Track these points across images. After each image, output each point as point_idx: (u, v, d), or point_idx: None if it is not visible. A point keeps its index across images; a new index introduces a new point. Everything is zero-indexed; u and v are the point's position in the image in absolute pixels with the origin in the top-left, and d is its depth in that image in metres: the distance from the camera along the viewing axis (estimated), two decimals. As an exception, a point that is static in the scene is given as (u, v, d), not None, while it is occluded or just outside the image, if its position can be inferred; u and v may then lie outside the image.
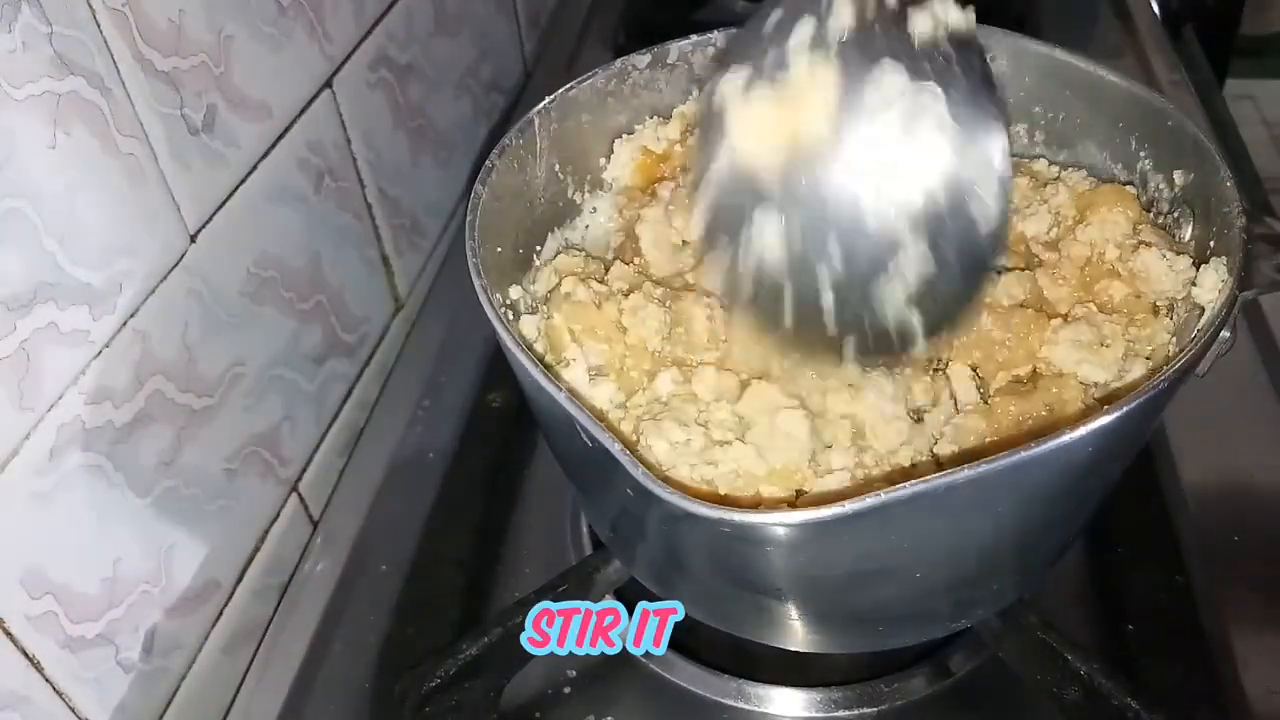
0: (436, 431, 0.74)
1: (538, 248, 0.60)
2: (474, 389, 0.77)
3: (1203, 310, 0.49)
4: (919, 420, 0.51)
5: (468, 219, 0.52)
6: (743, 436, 0.48)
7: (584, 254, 0.60)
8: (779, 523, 0.39)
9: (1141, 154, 0.56)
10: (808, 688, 0.56)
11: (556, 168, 0.60)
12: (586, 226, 0.63)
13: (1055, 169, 0.61)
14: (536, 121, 0.57)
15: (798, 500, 0.47)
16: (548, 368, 0.52)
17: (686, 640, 0.59)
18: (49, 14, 0.49)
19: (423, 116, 0.88)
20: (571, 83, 0.59)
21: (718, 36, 0.63)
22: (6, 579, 0.49)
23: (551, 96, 0.58)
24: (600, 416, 0.49)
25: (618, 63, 0.61)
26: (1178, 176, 0.53)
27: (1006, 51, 0.60)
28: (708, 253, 0.48)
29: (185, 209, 0.59)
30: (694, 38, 0.63)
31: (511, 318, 0.55)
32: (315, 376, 0.74)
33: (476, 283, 0.49)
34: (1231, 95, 1.39)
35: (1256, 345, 0.71)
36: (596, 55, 1.09)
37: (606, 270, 0.58)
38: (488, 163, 0.54)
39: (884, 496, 0.37)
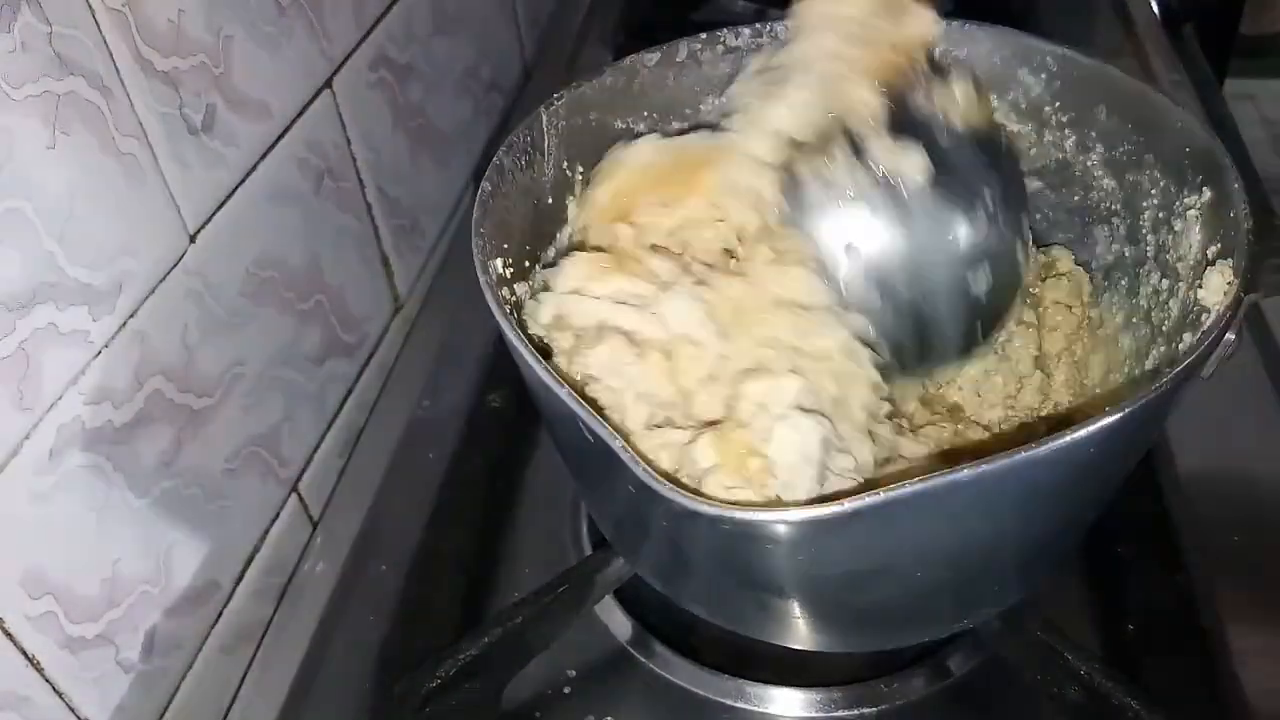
0: (436, 431, 0.74)
1: (552, 235, 0.60)
2: (474, 389, 0.76)
3: (1208, 311, 0.49)
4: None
5: (474, 214, 0.51)
6: None
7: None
8: (780, 520, 0.39)
9: (1148, 155, 0.56)
10: (808, 688, 0.56)
11: (565, 165, 0.60)
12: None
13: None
14: (545, 119, 0.57)
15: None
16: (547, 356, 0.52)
17: (687, 640, 0.59)
18: (48, 14, 0.49)
19: (423, 116, 0.88)
20: (580, 80, 0.59)
21: (726, 35, 0.63)
22: (6, 579, 0.48)
23: (560, 94, 0.58)
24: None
25: (627, 60, 0.61)
26: (1184, 177, 0.53)
27: (1015, 51, 0.61)
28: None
29: (185, 209, 0.59)
30: (703, 36, 0.63)
31: (515, 315, 0.55)
32: (315, 376, 0.74)
33: (481, 279, 0.49)
34: (1231, 95, 1.38)
35: (1258, 347, 0.71)
36: (596, 55, 1.09)
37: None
38: (495, 159, 0.54)
39: (885, 495, 0.37)
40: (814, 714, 0.56)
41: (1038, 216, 0.63)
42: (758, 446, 0.47)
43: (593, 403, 0.51)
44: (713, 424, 0.49)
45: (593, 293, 0.53)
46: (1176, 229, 0.54)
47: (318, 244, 0.73)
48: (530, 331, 0.55)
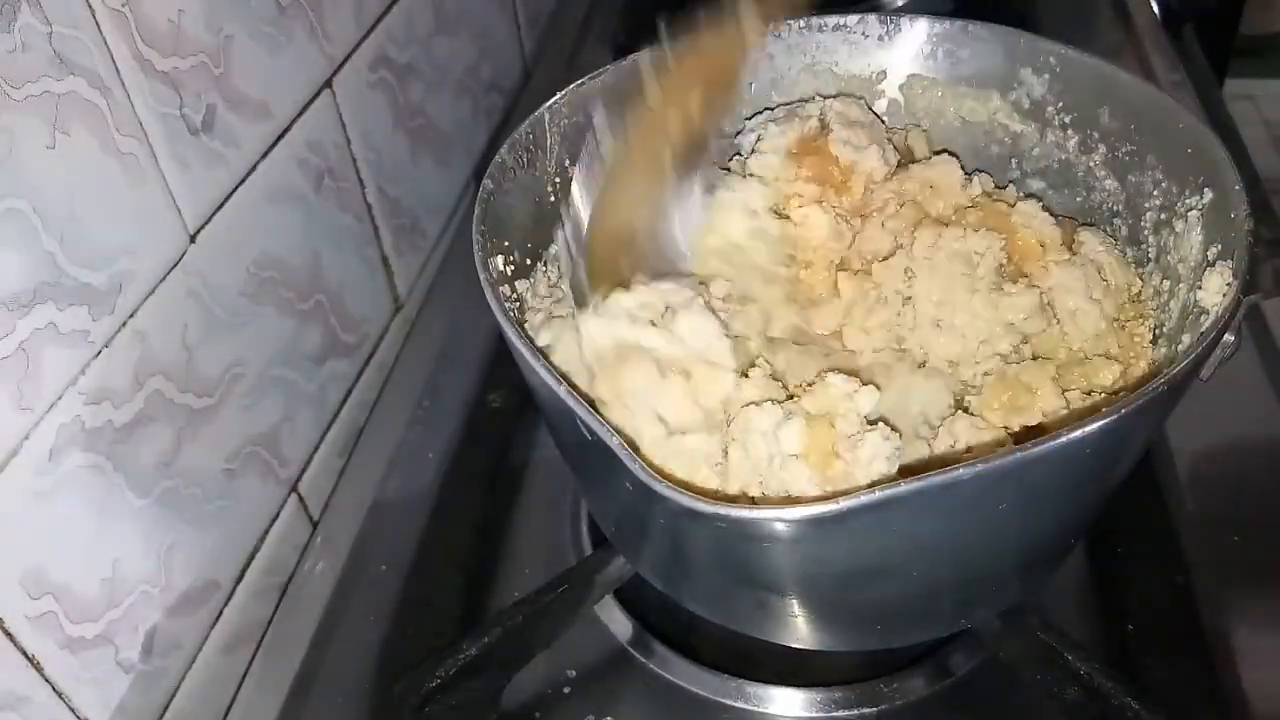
0: (436, 431, 0.74)
1: (553, 233, 0.60)
2: (474, 389, 0.76)
3: (1207, 313, 0.49)
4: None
5: (475, 212, 0.51)
6: None
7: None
8: (776, 518, 0.39)
9: (1150, 156, 0.56)
10: (808, 688, 0.56)
11: (566, 164, 0.60)
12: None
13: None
14: (547, 118, 0.57)
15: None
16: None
17: (687, 640, 0.59)
18: (49, 14, 0.49)
19: (423, 116, 0.89)
20: (583, 79, 0.59)
21: None
22: (6, 579, 0.49)
23: (562, 92, 0.58)
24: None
25: (629, 59, 0.61)
26: (1185, 178, 0.53)
27: (1017, 51, 0.61)
28: None
29: (185, 209, 0.59)
30: None
31: (515, 313, 0.55)
32: (315, 376, 0.74)
33: (481, 276, 0.49)
34: (1231, 95, 1.38)
35: (1257, 347, 0.71)
36: (596, 55, 1.09)
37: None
38: (497, 157, 0.54)
39: (880, 494, 0.37)
40: (814, 714, 0.56)
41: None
42: (842, 449, 0.47)
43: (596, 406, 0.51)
44: (791, 397, 0.49)
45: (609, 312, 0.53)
46: (1178, 230, 0.54)
47: (318, 244, 0.73)
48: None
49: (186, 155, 0.59)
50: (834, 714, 0.56)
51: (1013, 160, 0.65)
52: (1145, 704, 0.50)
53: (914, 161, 0.64)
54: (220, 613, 0.64)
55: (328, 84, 0.74)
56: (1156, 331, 0.55)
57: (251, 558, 0.67)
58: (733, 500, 0.46)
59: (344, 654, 0.62)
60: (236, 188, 0.64)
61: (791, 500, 0.46)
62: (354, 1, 0.77)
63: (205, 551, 0.62)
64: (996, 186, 0.64)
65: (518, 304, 0.56)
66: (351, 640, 0.62)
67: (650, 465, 0.40)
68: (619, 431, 0.41)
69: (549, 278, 0.59)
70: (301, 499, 0.73)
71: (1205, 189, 0.51)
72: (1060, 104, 0.61)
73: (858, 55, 0.65)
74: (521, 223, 0.57)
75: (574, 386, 0.49)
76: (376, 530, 0.69)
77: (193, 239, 0.60)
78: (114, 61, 0.53)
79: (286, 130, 0.69)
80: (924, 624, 0.53)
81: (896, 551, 0.43)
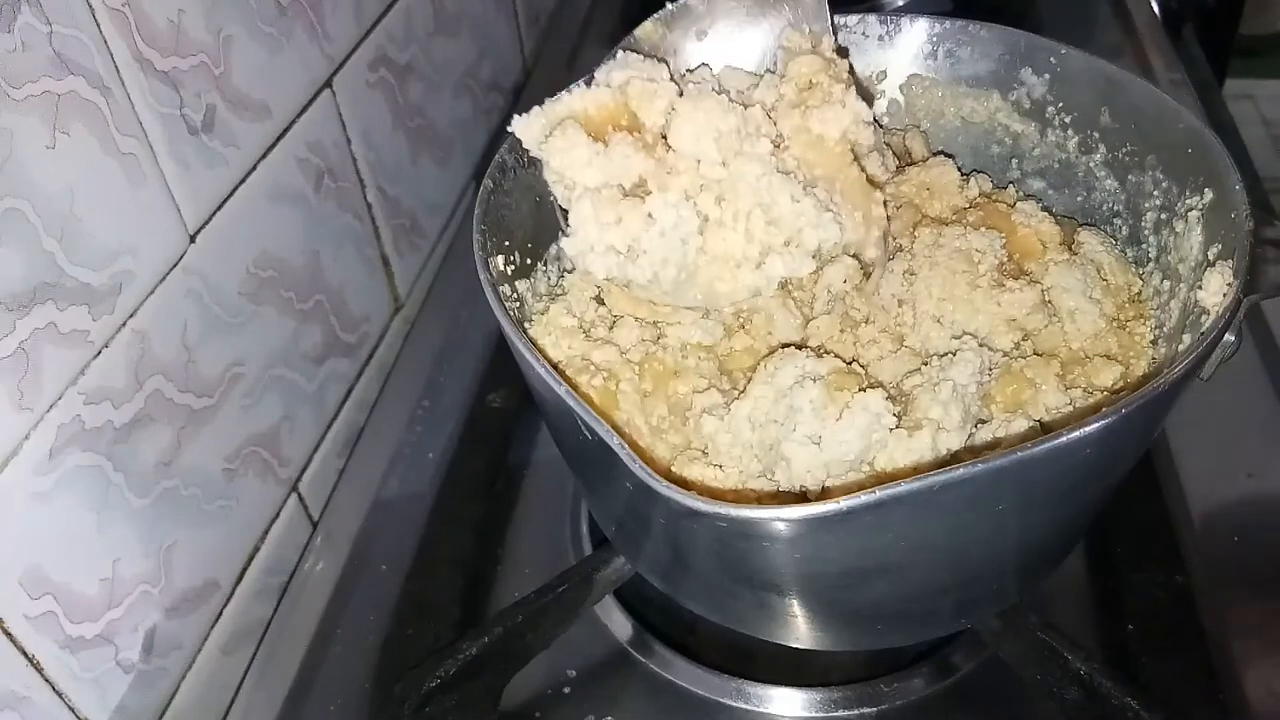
0: (436, 431, 0.74)
1: (554, 232, 0.59)
2: (474, 389, 0.77)
3: (1207, 313, 0.49)
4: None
5: (476, 211, 0.51)
6: None
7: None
8: (775, 518, 0.39)
9: (1150, 156, 0.56)
10: (807, 687, 0.56)
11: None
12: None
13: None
14: None
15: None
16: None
17: (687, 640, 0.59)
18: (48, 13, 0.49)
19: (422, 116, 0.89)
20: (583, 79, 0.59)
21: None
22: (6, 579, 0.49)
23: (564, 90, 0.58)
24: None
25: (624, 40, 0.61)
26: (1185, 178, 0.53)
27: (1018, 50, 0.61)
28: None
29: (185, 209, 0.59)
30: None
31: (515, 313, 0.55)
32: (315, 376, 0.74)
33: (482, 275, 0.49)
34: (1231, 95, 1.39)
35: (1258, 347, 0.71)
36: (596, 55, 1.09)
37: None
38: (498, 156, 0.54)
39: (879, 494, 0.37)
40: (814, 714, 0.56)
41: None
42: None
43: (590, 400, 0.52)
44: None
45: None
46: (1178, 230, 0.54)
47: (318, 244, 0.73)
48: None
49: (186, 155, 0.59)
50: (834, 714, 0.56)
51: (1013, 160, 0.65)
52: (1145, 704, 0.50)
53: (912, 164, 0.64)
54: (220, 613, 0.64)
55: (328, 84, 0.74)
56: (1156, 331, 0.55)
57: (251, 557, 0.67)
58: (732, 501, 0.46)
59: (344, 654, 0.62)
60: (236, 188, 0.64)
61: (791, 500, 0.46)
62: (354, 1, 0.77)
63: (205, 551, 0.62)
64: (996, 187, 0.64)
65: (518, 304, 0.56)
66: (351, 640, 0.62)
67: (651, 463, 0.40)
68: (619, 430, 0.41)
69: (549, 278, 0.59)
70: (301, 499, 0.73)
71: (1205, 189, 0.51)
72: (1060, 104, 0.61)
73: (858, 55, 0.65)
74: (521, 223, 0.56)
75: (574, 386, 0.49)
76: (376, 530, 0.69)
77: (193, 239, 0.60)
78: (114, 61, 0.53)
79: (286, 130, 0.69)
80: (924, 623, 0.53)
81: (896, 551, 0.43)
